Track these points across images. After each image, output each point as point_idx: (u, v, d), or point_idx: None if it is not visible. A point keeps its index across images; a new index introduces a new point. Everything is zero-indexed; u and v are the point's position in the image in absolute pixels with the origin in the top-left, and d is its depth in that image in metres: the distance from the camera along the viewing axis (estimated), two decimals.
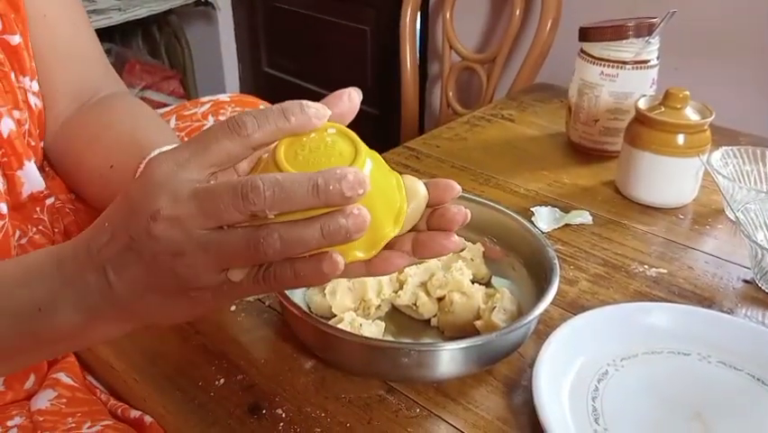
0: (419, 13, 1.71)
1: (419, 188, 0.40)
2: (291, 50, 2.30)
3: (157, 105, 2.11)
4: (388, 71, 1.92)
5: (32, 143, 0.61)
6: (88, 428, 0.47)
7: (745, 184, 0.76)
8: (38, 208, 0.61)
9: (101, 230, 0.37)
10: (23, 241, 0.58)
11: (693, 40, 1.30)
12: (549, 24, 1.47)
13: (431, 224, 0.40)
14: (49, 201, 0.63)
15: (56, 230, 0.62)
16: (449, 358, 0.49)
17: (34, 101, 0.61)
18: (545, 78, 1.28)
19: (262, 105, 0.74)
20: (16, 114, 0.58)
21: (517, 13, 1.54)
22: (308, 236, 0.33)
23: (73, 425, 0.47)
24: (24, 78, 0.59)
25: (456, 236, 0.40)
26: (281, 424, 0.48)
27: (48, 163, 0.66)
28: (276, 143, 0.36)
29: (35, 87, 0.61)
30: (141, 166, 0.55)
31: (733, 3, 1.26)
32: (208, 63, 2.40)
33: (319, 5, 2.11)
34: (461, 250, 0.39)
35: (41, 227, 0.60)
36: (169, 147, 0.50)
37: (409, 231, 0.40)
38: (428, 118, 1.91)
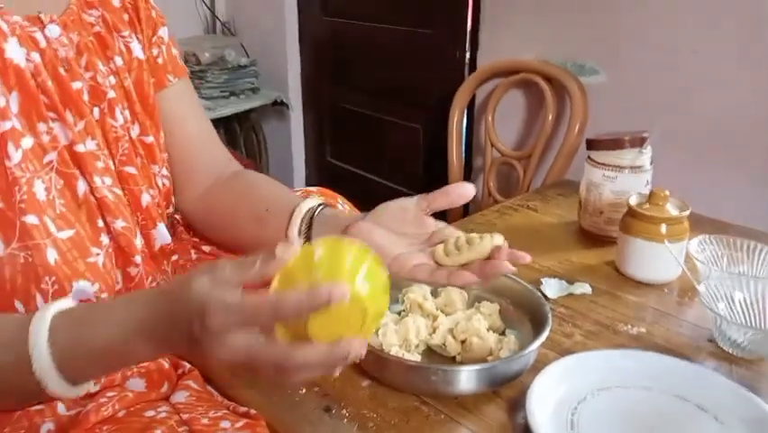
0: (465, 115, 1.96)
1: (493, 241, 0.65)
2: (353, 144, 2.57)
3: None
4: (437, 164, 2.12)
5: (160, 211, 0.84)
6: (213, 414, 0.67)
7: (719, 266, 0.94)
8: (165, 261, 0.83)
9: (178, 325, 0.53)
10: (153, 285, 0.78)
11: (687, 141, 1.50)
12: (577, 128, 1.69)
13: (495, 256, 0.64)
14: (174, 258, 0.86)
15: None
16: (466, 378, 0.69)
17: (162, 181, 0.84)
18: (575, 173, 1.48)
19: (340, 199, 0.97)
20: (150, 191, 0.81)
21: (550, 117, 1.77)
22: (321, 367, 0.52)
23: (203, 412, 0.68)
24: (154, 166, 0.81)
25: (510, 265, 0.63)
26: (345, 420, 0.68)
27: (184, 224, 0.89)
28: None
29: (164, 171, 0.83)
30: (292, 218, 0.76)
31: (722, 108, 1.46)
32: (280, 153, 2.71)
33: (378, 106, 2.39)
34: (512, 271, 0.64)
35: (165, 277, 0.82)
36: (313, 202, 0.77)
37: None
38: (472, 205, 2.12)
